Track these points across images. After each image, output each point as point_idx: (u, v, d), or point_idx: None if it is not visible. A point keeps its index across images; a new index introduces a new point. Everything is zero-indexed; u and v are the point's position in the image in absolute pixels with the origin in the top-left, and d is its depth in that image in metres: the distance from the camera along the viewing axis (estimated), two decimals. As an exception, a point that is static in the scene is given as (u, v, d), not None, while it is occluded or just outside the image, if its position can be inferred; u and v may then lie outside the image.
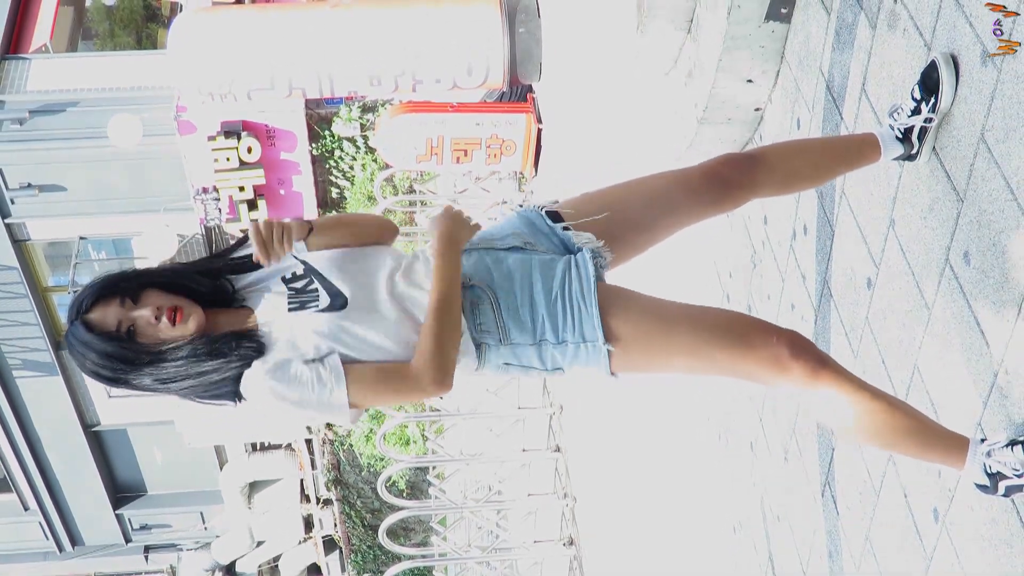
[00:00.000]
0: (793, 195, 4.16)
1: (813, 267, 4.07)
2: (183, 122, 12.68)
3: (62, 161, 13.73)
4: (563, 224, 2.78)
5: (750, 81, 4.34)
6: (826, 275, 3.94)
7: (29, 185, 13.85)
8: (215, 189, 12.96)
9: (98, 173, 13.88)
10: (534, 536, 9.19)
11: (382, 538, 8.29)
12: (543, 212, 2.81)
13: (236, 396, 2.57)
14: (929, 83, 2.91)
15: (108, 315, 2.51)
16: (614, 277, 2.84)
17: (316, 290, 2.62)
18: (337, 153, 13.62)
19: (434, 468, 10.15)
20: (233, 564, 19.07)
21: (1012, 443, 2.61)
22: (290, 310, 2.60)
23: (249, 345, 2.55)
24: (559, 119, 9.29)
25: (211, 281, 2.68)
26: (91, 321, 2.51)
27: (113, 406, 15.95)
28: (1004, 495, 2.63)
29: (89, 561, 18.77)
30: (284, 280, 2.67)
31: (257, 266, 2.67)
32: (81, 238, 14.33)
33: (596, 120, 7.41)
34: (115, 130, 12.55)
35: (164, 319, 2.51)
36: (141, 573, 19.24)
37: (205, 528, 18.72)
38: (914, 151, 3.03)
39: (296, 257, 2.70)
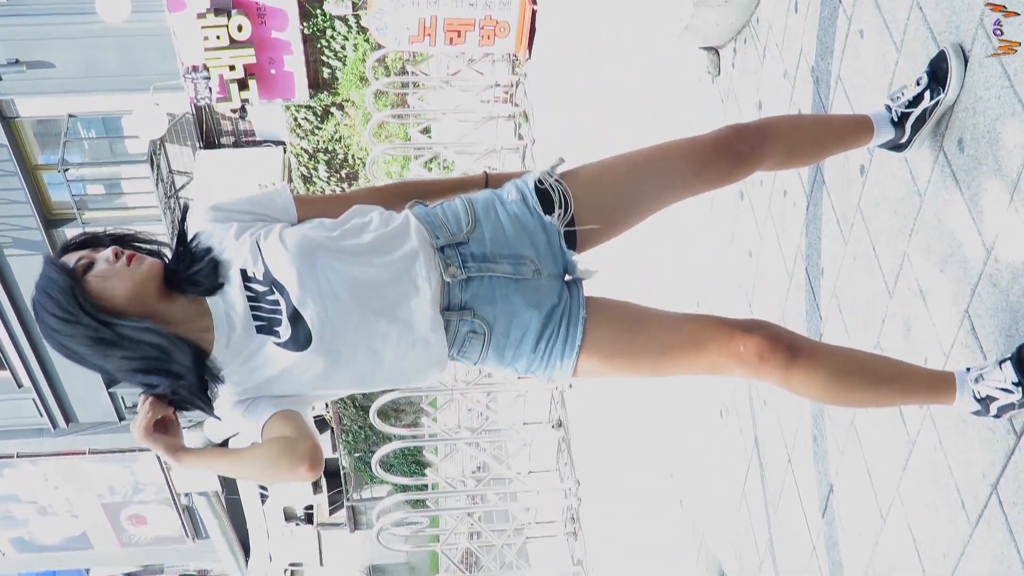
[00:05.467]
0: (787, 93, 4.12)
1: (806, 153, 4.05)
2: (172, -1, 12.50)
3: (50, 37, 13.54)
4: (574, 253, 2.68)
5: (748, -38, 4.28)
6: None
7: (17, 61, 13.67)
8: (205, 68, 12.81)
9: (87, 50, 13.70)
10: (523, 418, 9.29)
11: (373, 419, 8.38)
12: (562, 232, 2.65)
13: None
14: (939, 73, 2.88)
15: (71, 257, 2.43)
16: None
17: (277, 305, 2.45)
18: (329, 33, 13.44)
19: (425, 350, 10.19)
20: (226, 443, 19.17)
21: (1000, 362, 2.62)
22: (258, 331, 2.45)
23: (199, 396, 2.44)
24: (554, 0, 9.16)
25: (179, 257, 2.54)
26: (55, 260, 2.43)
27: (105, 285, 15.96)
28: (996, 416, 2.64)
29: (83, 438, 18.96)
30: (243, 275, 2.47)
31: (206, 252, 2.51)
32: (70, 116, 14.19)
33: (591, 2, 7.30)
34: (103, 6, 12.36)
35: (123, 259, 2.41)
36: (134, 450, 19.44)
37: (197, 409, 18.88)
38: (904, 139, 3.00)
39: (259, 246, 2.51)
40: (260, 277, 2.45)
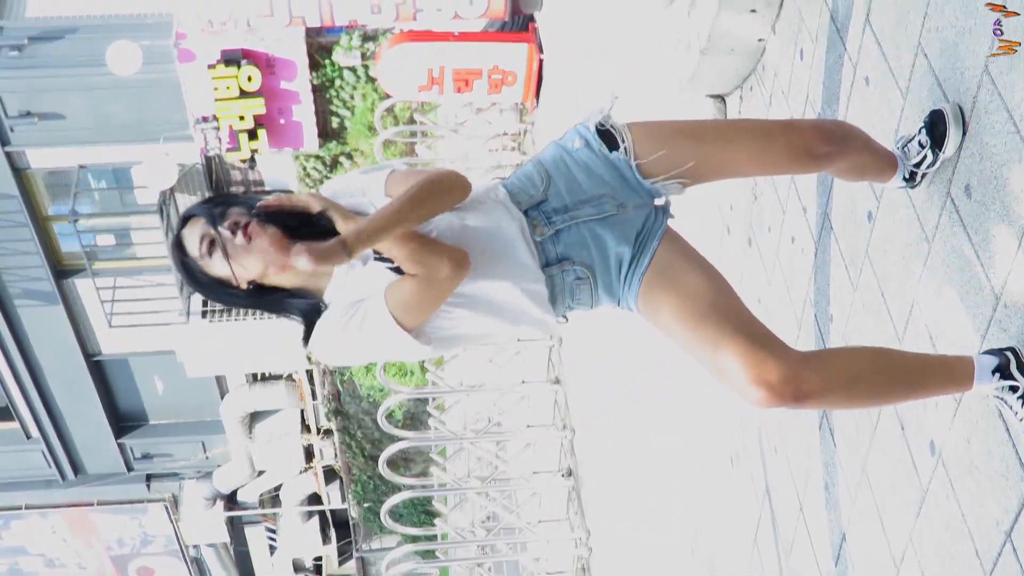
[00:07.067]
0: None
1: (814, 199, 4.06)
2: (183, 50, 12.57)
3: (61, 89, 13.63)
4: (651, 180, 2.77)
5: (753, 11, 4.31)
6: (827, 207, 3.92)
7: (28, 113, 13.76)
8: (215, 118, 12.88)
9: (98, 101, 13.78)
10: (533, 467, 9.25)
11: (382, 468, 8.35)
12: (634, 165, 2.76)
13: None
14: (935, 133, 2.95)
15: (194, 231, 2.60)
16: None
17: None
18: (338, 83, 13.51)
19: (434, 399, 10.20)
20: (234, 493, 19.21)
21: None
22: (376, 258, 2.60)
23: (307, 308, 2.66)
24: (561, 49, 9.22)
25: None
26: (182, 237, 2.64)
27: (114, 336, 15.94)
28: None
29: (91, 489, 18.89)
30: None
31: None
32: (81, 167, 14.26)
33: (598, 51, 7.35)
34: (114, 57, 12.44)
35: (240, 234, 2.54)
36: (143, 501, 19.38)
37: (207, 457, 18.82)
38: (915, 184, 3.13)
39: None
40: None
